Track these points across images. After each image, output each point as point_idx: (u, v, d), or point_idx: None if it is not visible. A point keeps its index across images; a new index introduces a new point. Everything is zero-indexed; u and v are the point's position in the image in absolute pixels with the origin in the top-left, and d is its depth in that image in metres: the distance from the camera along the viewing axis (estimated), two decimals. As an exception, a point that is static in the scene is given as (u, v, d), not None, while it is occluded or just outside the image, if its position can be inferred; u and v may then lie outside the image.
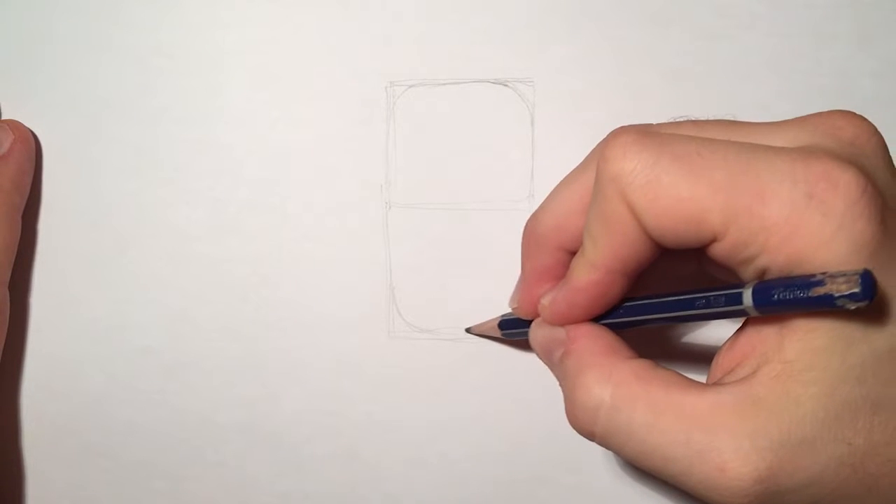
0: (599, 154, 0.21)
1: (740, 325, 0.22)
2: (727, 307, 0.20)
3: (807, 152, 0.19)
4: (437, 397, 0.29)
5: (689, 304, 0.21)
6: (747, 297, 0.19)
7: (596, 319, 0.23)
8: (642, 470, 0.21)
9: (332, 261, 0.29)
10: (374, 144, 0.28)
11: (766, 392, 0.19)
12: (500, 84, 0.28)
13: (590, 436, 0.22)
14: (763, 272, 0.20)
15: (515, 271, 0.28)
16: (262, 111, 0.29)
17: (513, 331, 0.27)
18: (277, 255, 0.29)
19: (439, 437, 0.29)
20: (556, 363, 0.23)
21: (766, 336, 0.20)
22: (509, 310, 0.28)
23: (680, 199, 0.20)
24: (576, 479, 0.29)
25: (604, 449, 0.28)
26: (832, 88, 0.28)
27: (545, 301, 0.24)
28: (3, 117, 0.29)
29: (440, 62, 0.28)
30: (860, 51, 0.28)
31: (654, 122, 0.23)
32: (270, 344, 0.29)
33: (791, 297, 0.18)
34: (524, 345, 0.28)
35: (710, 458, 0.19)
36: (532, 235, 0.25)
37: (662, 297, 0.22)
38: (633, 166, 0.20)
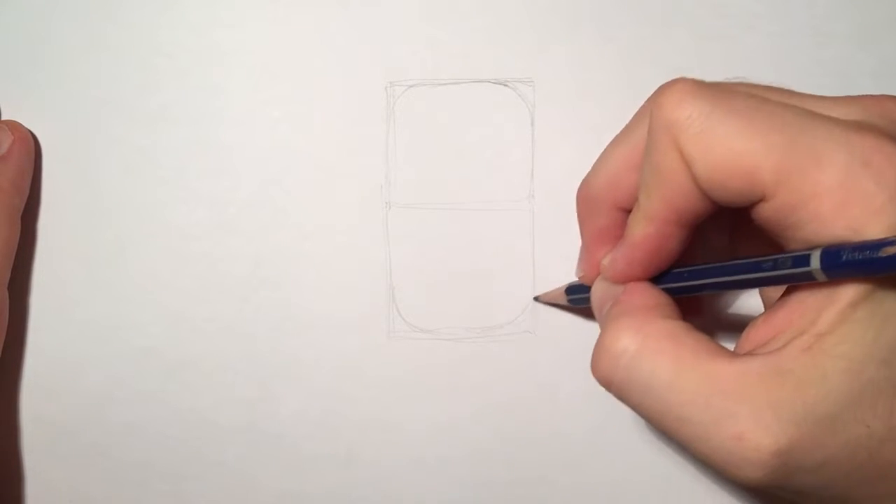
0: (653, 103, 0.21)
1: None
2: (794, 269, 0.20)
3: (859, 125, 0.19)
4: (437, 397, 0.29)
5: (756, 267, 0.21)
6: (815, 259, 0.19)
7: (658, 282, 0.23)
8: (657, 430, 0.21)
9: (332, 261, 0.29)
10: (373, 144, 0.28)
11: (794, 364, 0.19)
12: (500, 84, 0.28)
13: (608, 384, 0.21)
14: (811, 239, 0.19)
15: (516, 271, 0.28)
16: (262, 111, 0.29)
17: (579, 296, 0.27)
18: (277, 255, 0.29)
19: (439, 437, 0.29)
20: (604, 315, 0.23)
21: (806, 309, 0.20)
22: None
23: (734, 151, 0.19)
24: (576, 479, 0.29)
25: (603, 449, 0.28)
26: (832, 88, 0.27)
27: (605, 261, 0.24)
28: (3, 118, 0.29)
29: (440, 62, 0.28)
30: (860, 51, 0.28)
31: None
32: (270, 344, 0.29)
33: (860, 257, 0.18)
34: (528, 343, 0.28)
35: (727, 425, 0.19)
36: (585, 197, 0.25)
37: (727, 261, 0.22)
38: (689, 114, 0.20)
